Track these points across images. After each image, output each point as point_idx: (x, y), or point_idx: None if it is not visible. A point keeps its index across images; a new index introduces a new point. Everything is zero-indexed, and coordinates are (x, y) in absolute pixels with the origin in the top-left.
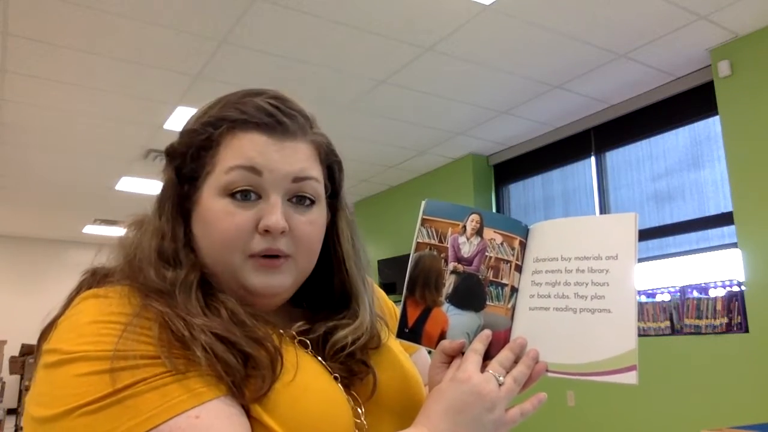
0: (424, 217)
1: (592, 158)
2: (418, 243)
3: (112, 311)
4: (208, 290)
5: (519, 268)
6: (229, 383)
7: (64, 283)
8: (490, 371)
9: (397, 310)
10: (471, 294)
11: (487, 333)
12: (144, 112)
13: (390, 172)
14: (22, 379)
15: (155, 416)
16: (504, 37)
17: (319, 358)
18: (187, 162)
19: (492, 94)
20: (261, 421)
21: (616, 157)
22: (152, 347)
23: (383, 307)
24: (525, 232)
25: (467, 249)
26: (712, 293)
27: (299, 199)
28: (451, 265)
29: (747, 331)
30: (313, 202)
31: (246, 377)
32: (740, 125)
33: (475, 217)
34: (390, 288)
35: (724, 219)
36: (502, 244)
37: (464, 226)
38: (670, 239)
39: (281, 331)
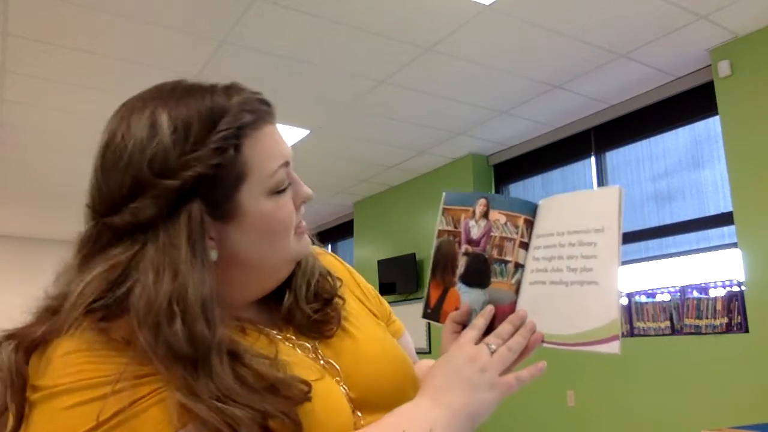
0: (445, 207)
1: (592, 158)
2: (439, 231)
3: (86, 339)
4: (233, 344)
5: (525, 245)
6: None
7: None
8: (485, 342)
9: (375, 292)
10: (477, 272)
11: (489, 308)
12: None
13: (390, 172)
14: None
15: None
16: (504, 37)
17: (312, 355)
18: (221, 183)
19: (492, 94)
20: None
21: (616, 157)
22: (144, 368)
23: (367, 293)
24: (532, 210)
25: (476, 231)
26: (712, 293)
27: None
28: (463, 248)
29: (747, 331)
30: None
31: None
32: (740, 125)
33: (482, 200)
34: (390, 288)
35: (724, 219)
36: (506, 223)
37: (474, 211)
38: (670, 239)
39: (275, 332)
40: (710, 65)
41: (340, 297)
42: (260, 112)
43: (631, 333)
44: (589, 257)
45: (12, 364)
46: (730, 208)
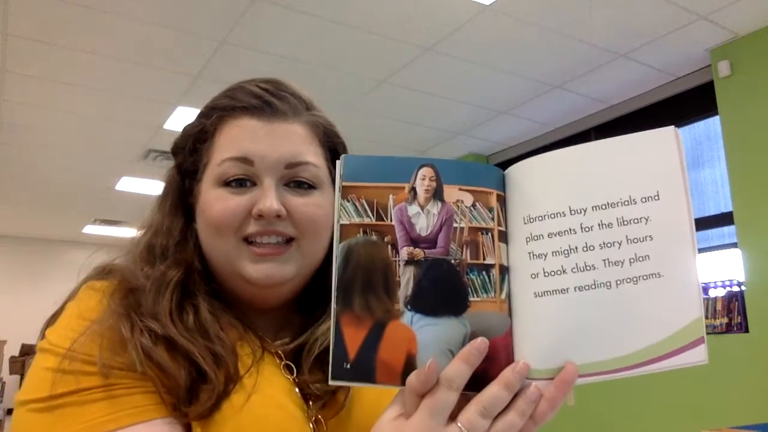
0: (346, 184)
1: None
2: (342, 226)
3: (91, 307)
4: (193, 290)
5: (504, 237)
6: (164, 396)
7: (64, 283)
8: (459, 424)
9: None
10: (444, 290)
11: (478, 344)
12: (144, 112)
13: None
14: (22, 378)
15: None
16: (504, 37)
17: (297, 388)
18: (187, 156)
19: (492, 94)
20: None
21: None
22: (118, 357)
23: None
24: (501, 181)
25: (424, 223)
26: (712, 293)
27: (297, 184)
28: (405, 252)
29: (747, 331)
30: (312, 186)
31: (193, 389)
32: (740, 125)
33: (426, 171)
34: None
35: (724, 219)
36: (474, 205)
37: (413, 189)
38: None
39: (264, 347)
40: (710, 65)
41: None
42: (241, 100)
43: None
44: (642, 240)
45: None
46: (730, 208)
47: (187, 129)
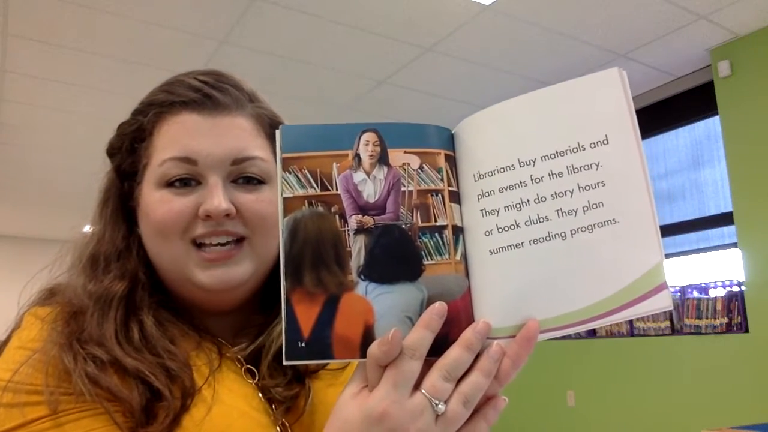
0: (286, 155)
1: None
2: (286, 200)
3: (33, 337)
4: (139, 304)
5: (456, 196)
6: (117, 421)
7: None
8: (423, 391)
9: None
10: (396, 256)
11: (437, 309)
12: None
13: None
14: None
15: None
16: (504, 37)
17: (260, 393)
18: (125, 157)
19: (492, 94)
20: None
21: None
22: (64, 384)
23: None
24: (449, 141)
25: (371, 189)
26: (712, 293)
27: (245, 180)
28: (354, 220)
29: (747, 331)
30: (261, 181)
31: (149, 409)
32: (740, 125)
33: (369, 136)
34: None
35: (724, 219)
36: (421, 167)
37: (357, 155)
38: (670, 239)
39: (222, 353)
40: (710, 65)
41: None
42: (179, 95)
43: (631, 333)
44: (594, 187)
45: None
46: (730, 208)
47: (123, 128)
